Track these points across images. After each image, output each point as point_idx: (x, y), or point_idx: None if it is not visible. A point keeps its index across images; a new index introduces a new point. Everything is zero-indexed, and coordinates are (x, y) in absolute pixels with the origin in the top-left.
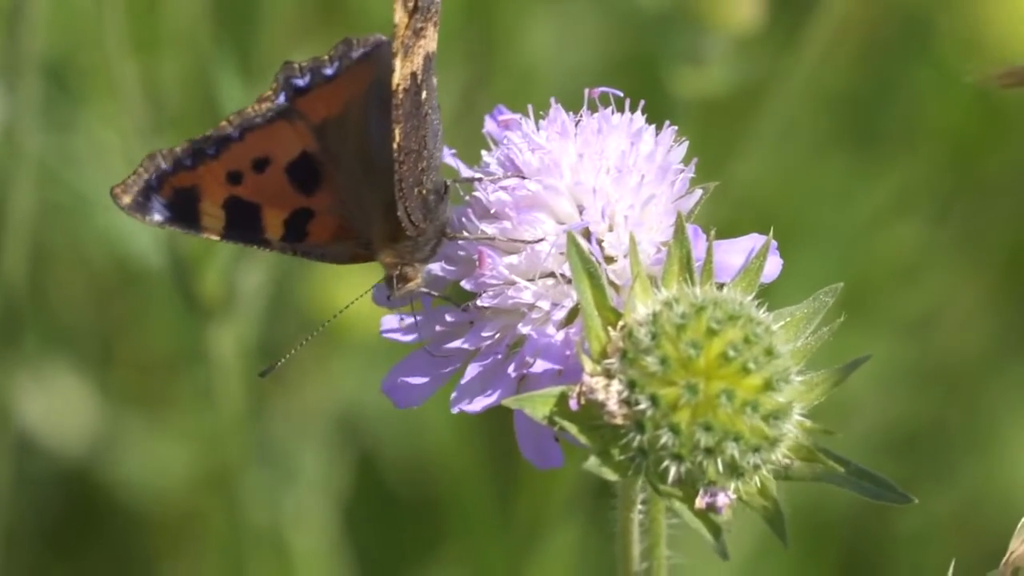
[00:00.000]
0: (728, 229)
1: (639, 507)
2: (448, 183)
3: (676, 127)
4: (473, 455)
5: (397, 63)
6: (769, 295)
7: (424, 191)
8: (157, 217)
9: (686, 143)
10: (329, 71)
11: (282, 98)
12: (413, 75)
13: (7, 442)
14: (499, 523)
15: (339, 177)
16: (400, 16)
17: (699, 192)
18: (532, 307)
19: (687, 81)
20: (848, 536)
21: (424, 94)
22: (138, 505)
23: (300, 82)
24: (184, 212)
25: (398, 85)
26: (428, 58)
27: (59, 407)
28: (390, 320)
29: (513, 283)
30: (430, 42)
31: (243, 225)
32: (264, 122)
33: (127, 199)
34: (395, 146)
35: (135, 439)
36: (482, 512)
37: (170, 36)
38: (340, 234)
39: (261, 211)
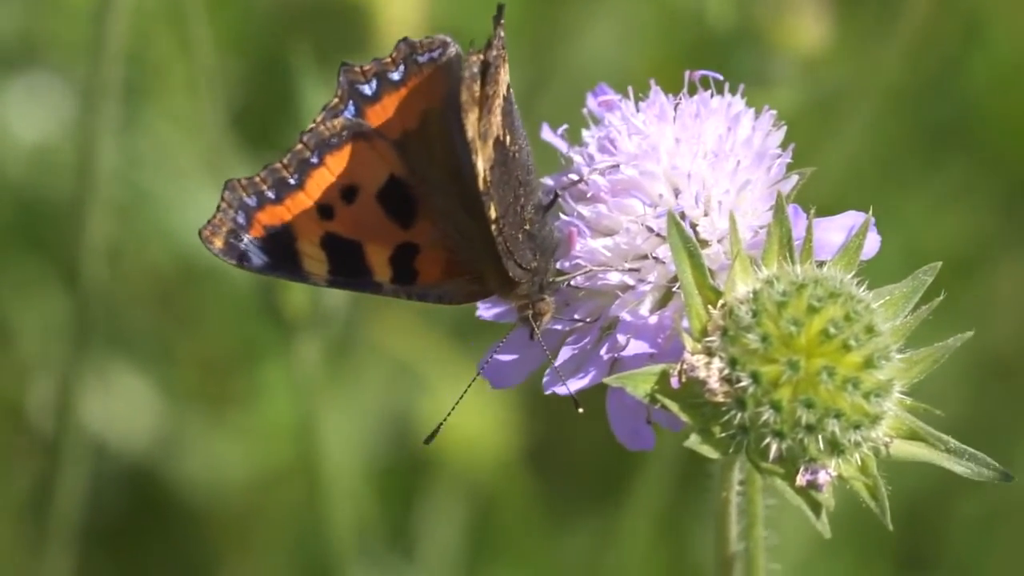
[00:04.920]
0: None
1: (737, 488)
2: (550, 194)
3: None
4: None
5: (479, 165)
6: None
7: (527, 226)
8: (256, 262)
9: (784, 128)
10: (395, 76)
11: (350, 107)
12: (496, 141)
13: (72, 440)
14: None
15: (435, 203)
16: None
17: (795, 177)
18: (625, 288)
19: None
20: (906, 526)
21: (508, 139)
22: (200, 502)
23: (367, 89)
24: (282, 255)
25: (484, 181)
26: (506, 99)
27: (122, 405)
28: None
29: (606, 265)
30: (501, 85)
31: (348, 267)
32: (341, 143)
33: (219, 243)
34: (491, 223)
35: (197, 437)
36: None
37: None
38: (450, 270)
39: (363, 249)
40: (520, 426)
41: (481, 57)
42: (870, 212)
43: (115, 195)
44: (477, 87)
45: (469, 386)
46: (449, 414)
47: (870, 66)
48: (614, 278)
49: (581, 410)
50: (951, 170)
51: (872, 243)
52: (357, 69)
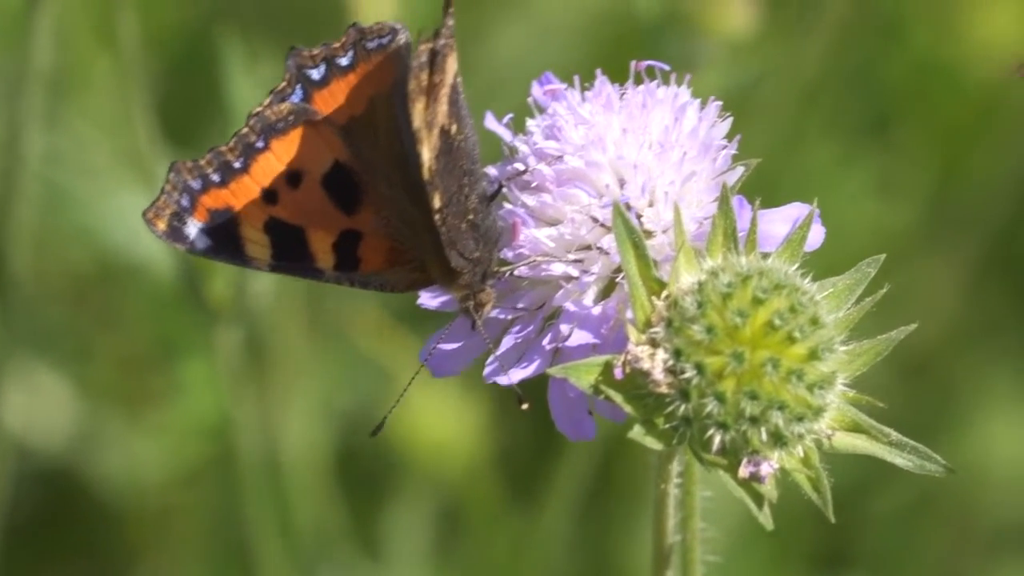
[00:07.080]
0: None
1: (675, 480)
2: (495, 184)
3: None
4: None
5: (424, 154)
6: None
7: (471, 216)
8: (199, 246)
9: (730, 119)
10: (344, 61)
11: (298, 91)
12: (441, 130)
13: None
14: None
15: (379, 190)
16: (419, 106)
17: (740, 169)
18: (569, 279)
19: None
20: (822, 523)
21: (454, 128)
22: (117, 501)
23: (315, 73)
24: (225, 239)
25: (429, 169)
26: (453, 88)
27: (37, 403)
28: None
29: (550, 255)
30: (449, 73)
31: (291, 252)
32: (287, 127)
33: (162, 225)
34: (435, 214)
35: (114, 435)
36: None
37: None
38: (393, 258)
39: (306, 235)
40: (492, 427)
41: (430, 46)
42: (815, 204)
43: (31, 192)
44: (425, 76)
45: (413, 378)
46: (394, 407)
47: (790, 58)
48: (558, 268)
49: (526, 406)
50: (869, 165)
51: (816, 235)
52: (305, 53)
